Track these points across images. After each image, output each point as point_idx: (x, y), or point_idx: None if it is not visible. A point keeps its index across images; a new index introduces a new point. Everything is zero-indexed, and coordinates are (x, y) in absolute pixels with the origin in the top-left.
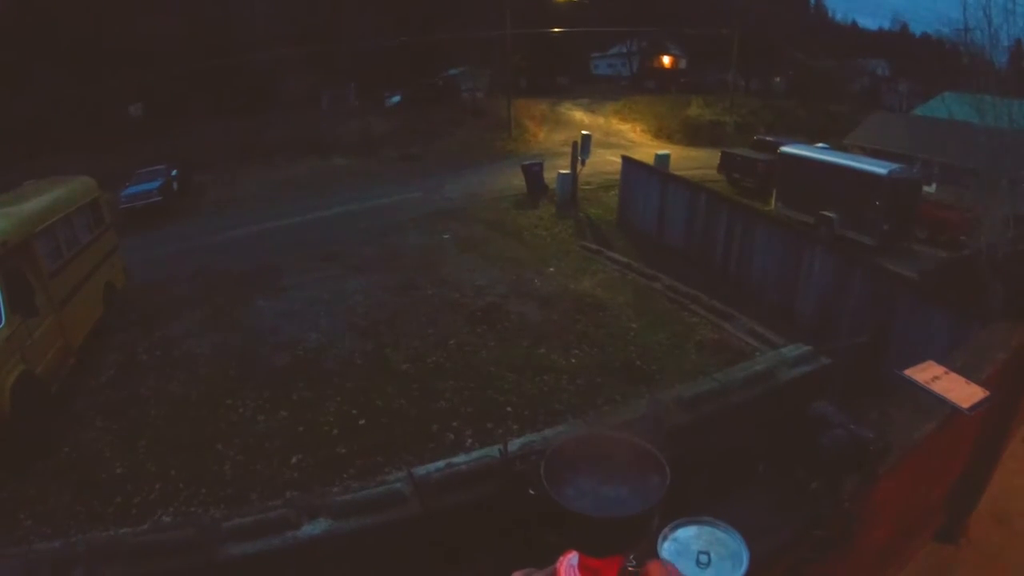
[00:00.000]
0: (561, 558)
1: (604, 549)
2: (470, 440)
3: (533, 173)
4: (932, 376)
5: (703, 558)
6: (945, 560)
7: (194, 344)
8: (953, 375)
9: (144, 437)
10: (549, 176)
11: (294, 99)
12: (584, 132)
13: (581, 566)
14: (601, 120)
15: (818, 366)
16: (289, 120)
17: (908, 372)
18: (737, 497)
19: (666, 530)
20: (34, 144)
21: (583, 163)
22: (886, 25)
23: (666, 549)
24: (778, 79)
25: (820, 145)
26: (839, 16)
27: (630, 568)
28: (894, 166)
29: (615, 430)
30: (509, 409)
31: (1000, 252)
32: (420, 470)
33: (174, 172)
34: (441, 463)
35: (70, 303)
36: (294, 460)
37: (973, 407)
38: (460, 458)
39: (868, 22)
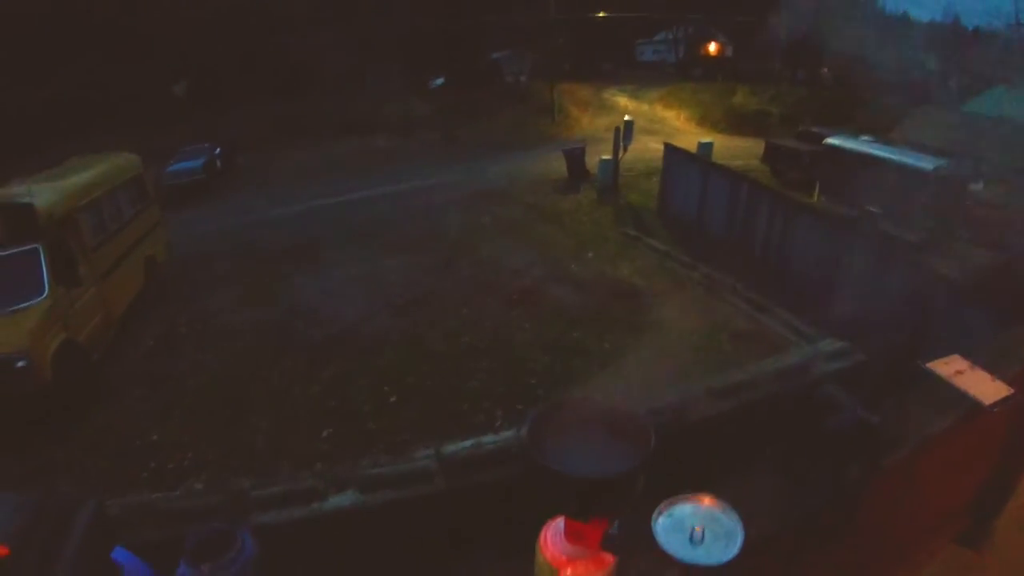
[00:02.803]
0: (547, 523)
1: (586, 511)
2: (500, 420)
3: (575, 158)
4: (955, 370)
5: (696, 535)
6: (966, 565)
7: (232, 318)
8: (978, 370)
9: (179, 407)
10: (591, 161)
11: (336, 80)
12: (627, 118)
13: (567, 531)
14: (645, 107)
15: (853, 362)
16: (331, 101)
17: (931, 365)
18: (739, 479)
19: (662, 505)
20: (79, 121)
21: (625, 149)
22: (938, 17)
23: (660, 524)
24: (825, 70)
25: (866, 137)
26: (889, 7)
27: (613, 534)
28: (941, 161)
29: (613, 402)
30: (541, 392)
31: None
32: (448, 448)
33: (218, 150)
34: (469, 442)
35: (112, 275)
36: (325, 434)
37: (995, 404)
38: (488, 438)
39: (920, 14)
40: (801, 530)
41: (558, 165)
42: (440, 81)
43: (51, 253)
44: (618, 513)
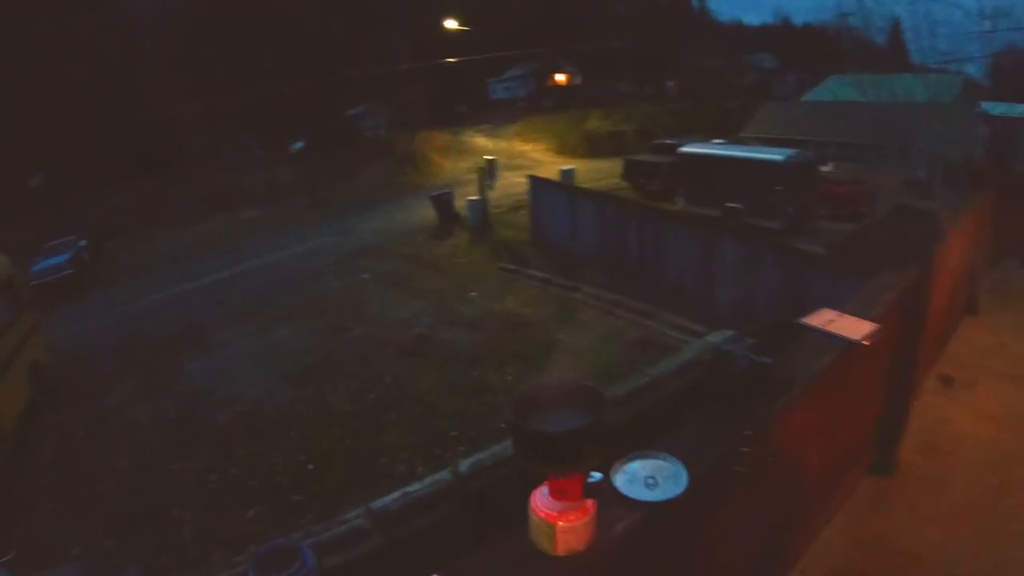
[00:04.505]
0: (533, 493)
1: (567, 462)
2: (421, 468)
3: (443, 203)
4: (827, 320)
5: (650, 481)
6: (883, 490)
7: (131, 414)
8: (846, 317)
9: (96, 514)
10: (459, 204)
11: (196, 155)
12: (488, 157)
13: (552, 491)
14: (504, 143)
15: (747, 344)
16: (193, 177)
17: (805, 319)
18: (674, 433)
19: (616, 465)
20: None
21: (491, 187)
22: (769, 20)
23: (619, 479)
24: (671, 83)
25: (717, 141)
26: (724, 16)
27: (591, 483)
28: (790, 151)
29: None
30: (454, 433)
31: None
32: (377, 503)
33: (83, 242)
34: (397, 493)
35: None
36: (251, 514)
37: (865, 338)
38: (414, 486)
39: (752, 19)
40: (732, 462)
41: (428, 213)
42: (300, 144)
43: None
44: (591, 463)
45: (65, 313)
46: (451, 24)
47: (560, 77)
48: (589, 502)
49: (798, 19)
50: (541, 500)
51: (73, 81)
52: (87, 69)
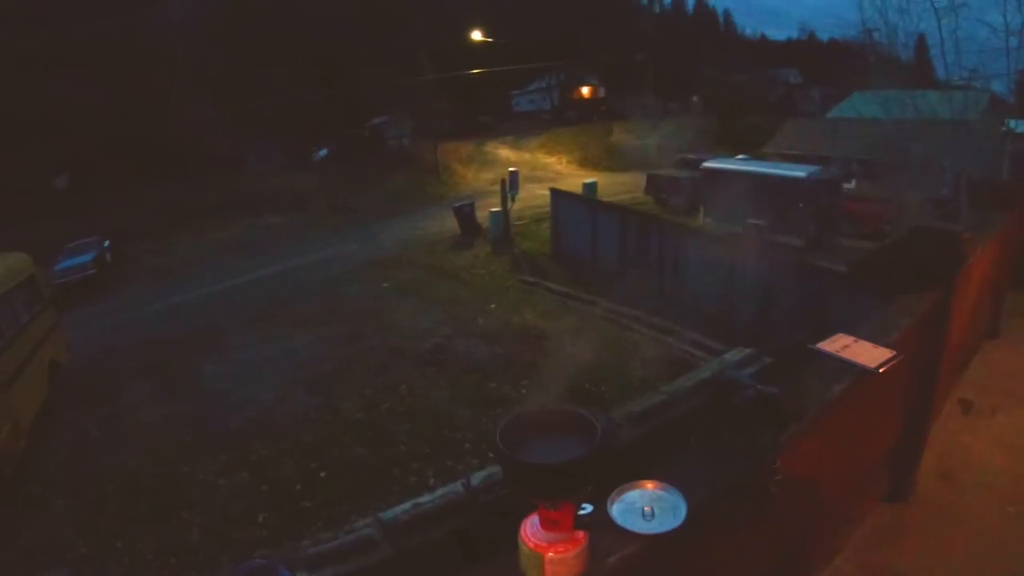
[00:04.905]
0: (523, 522)
1: (556, 494)
2: (432, 479)
3: (465, 214)
4: (842, 345)
5: (647, 512)
6: (897, 519)
7: (146, 415)
8: (862, 343)
9: (106, 513)
10: (481, 215)
11: (221, 160)
12: (511, 169)
13: (542, 521)
14: (527, 155)
15: (762, 366)
16: (217, 182)
17: (820, 345)
18: (675, 462)
19: (613, 494)
20: None
21: (513, 199)
22: (794, 35)
23: (615, 509)
24: (695, 98)
25: (740, 157)
26: (748, 31)
27: (582, 515)
28: (813, 168)
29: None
30: (467, 446)
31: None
32: (387, 513)
33: (106, 243)
34: (407, 504)
35: (15, 384)
36: (261, 519)
37: (880, 366)
38: (425, 497)
39: (777, 34)
40: (734, 494)
41: (450, 223)
42: (324, 152)
43: None
44: (583, 495)
45: (87, 312)
46: (476, 36)
47: (584, 90)
48: (580, 533)
49: (823, 34)
50: (531, 530)
51: (101, 84)
52: (115, 74)
